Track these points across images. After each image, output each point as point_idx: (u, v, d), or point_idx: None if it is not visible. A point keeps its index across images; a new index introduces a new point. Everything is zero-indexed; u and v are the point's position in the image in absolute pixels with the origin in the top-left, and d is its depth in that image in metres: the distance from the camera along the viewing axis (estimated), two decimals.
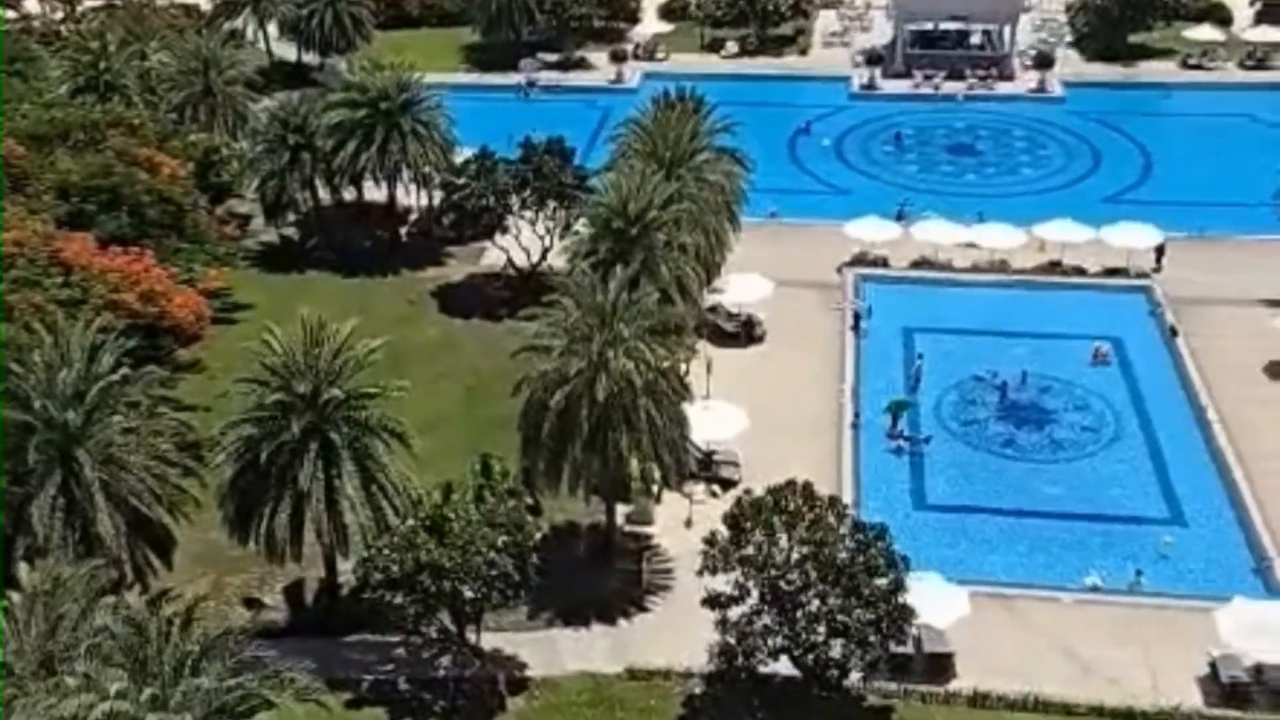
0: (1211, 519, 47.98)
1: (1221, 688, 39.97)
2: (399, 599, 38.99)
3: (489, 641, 41.87)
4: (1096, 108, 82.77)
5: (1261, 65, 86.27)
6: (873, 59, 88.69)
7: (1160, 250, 62.94)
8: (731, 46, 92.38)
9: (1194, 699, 39.85)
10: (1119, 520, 48.30)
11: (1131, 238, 63.34)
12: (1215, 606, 41.20)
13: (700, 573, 39.12)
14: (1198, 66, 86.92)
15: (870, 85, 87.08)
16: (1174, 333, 58.43)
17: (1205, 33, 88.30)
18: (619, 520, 46.83)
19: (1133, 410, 54.21)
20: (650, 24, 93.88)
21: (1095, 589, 44.59)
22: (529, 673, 41.62)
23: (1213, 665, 40.60)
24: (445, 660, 41.81)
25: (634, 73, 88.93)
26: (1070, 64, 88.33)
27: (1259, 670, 40.08)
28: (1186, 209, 67.49)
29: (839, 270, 64.42)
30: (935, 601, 40.28)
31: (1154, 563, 45.65)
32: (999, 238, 64.46)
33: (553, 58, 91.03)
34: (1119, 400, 54.87)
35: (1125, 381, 56.20)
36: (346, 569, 42.33)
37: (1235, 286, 60.89)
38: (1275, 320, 56.83)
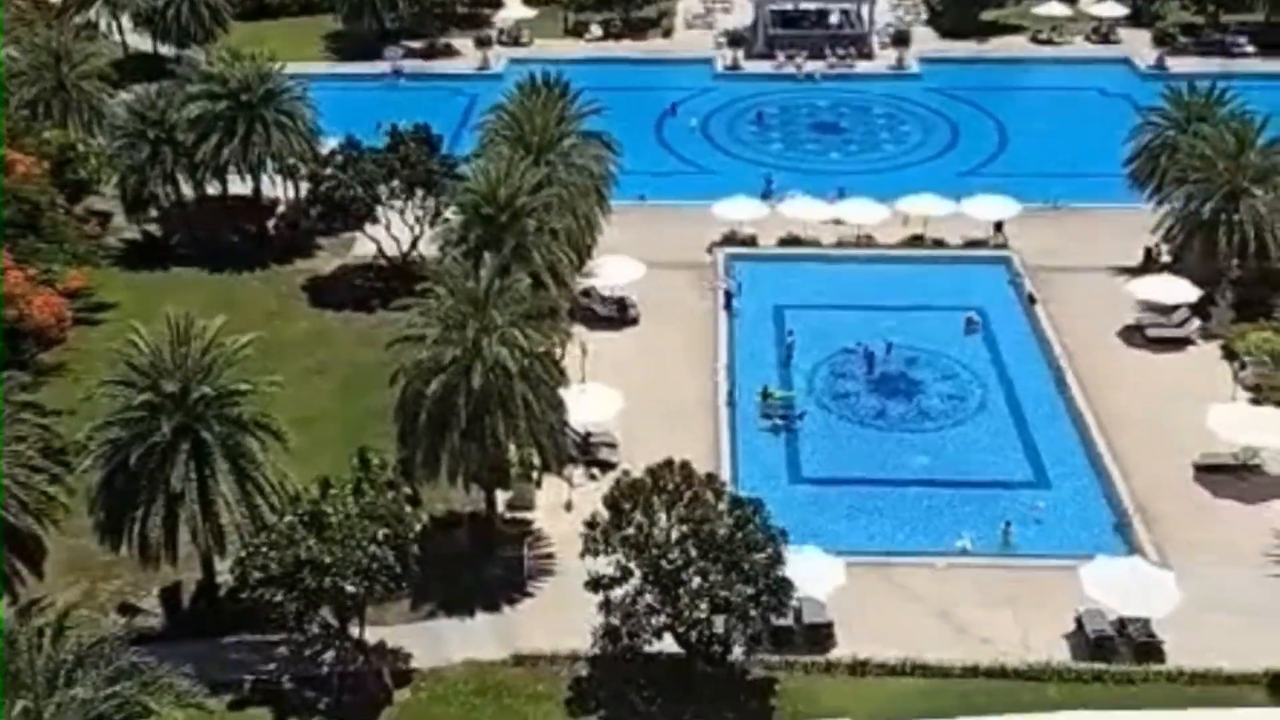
0: (1074, 480, 49.65)
1: (1088, 642, 41.43)
2: (279, 597, 38.61)
3: (372, 635, 41.69)
4: (952, 84, 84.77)
5: (1107, 40, 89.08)
6: (735, 40, 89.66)
7: (999, 224, 64.60)
8: (596, 30, 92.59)
9: (1062, 654, 41.24)
10: (987, 485, 49.71)
11: (990, 210, 65.10)
12: (1080, 565, 42.51)
13: (582, 555, 39.44)
14: (1047, 41, 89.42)
15: (734, 66, 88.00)
16: (1033, 301, 60.24)
17: (1053, 8, 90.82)
18: (499, 507, 46.93)
19: (996, 378, 55.81)
20: (514, 9, 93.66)
21: (965, 552, 45.88)
22: (414, 664, 41.55)
23: (1079, 621, 42.04)
24: (328, 656, 41.51)
25: (499, 58, 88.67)
26: (926, 41, 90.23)
27: (1122, 624, 41.63)
28: (1041, 180, 69.55)
29: (709, 250, 65.15)
30: (814, 573, 41.11)
31: (1023, 526, 47.06)
32: (863, 213, 65.76)
33: (417, 45, 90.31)
34: (983, 369, 56.44)
35: (988, 350, 57.81)
36: (224, 569, 41.78)
37: (1089, 254, 62.95)
38: (1127, 286, 58.86)
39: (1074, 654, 41.25)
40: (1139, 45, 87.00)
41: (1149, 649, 41.11)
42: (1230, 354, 54.93)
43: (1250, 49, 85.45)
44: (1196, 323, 57.30)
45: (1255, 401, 51.33)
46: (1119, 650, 41.26)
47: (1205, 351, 56.21)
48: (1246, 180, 56.79)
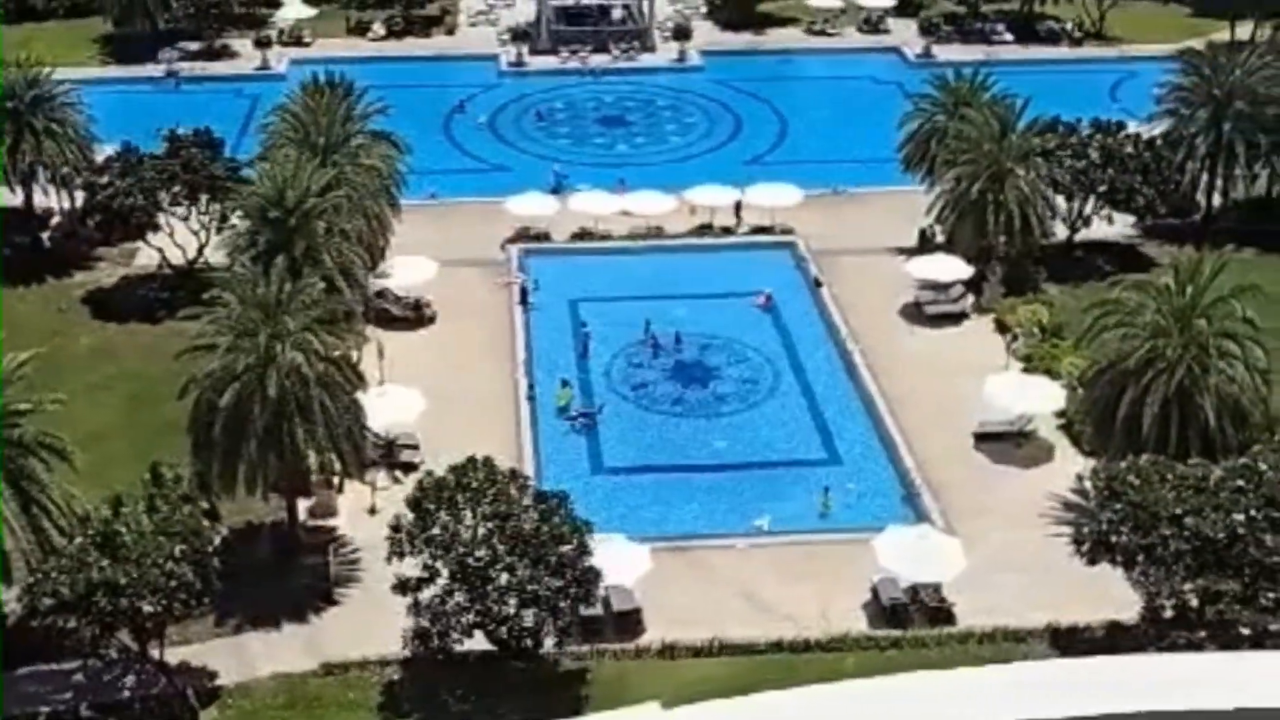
0: (864, 456, 51.59)
1: (883, 610, 43.17)
2: (73, 622, 37.44)
3: (175, 655, 40.74)
4: (733, 75, 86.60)
5: (877, 30, 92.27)
6: (519, 36, 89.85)
7: (738, 205, 66.44)
8: (378, 29, 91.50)
9: (860, 624, 42.87)
10: (783, 465, 51.32)
11: (774, 197, 66.93)
12: (873, 536, 44.19)
13: (388, 559, 39.34)
14: (821, 33, 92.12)
15: (519, 62, 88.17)
16: (818, 284, 62.26)
17: (826, 0, 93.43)
18: (301, 515, 46.34)
19: (787, 361, 57.55)
20: (293, 8, 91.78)
21: (765, 532, 47.30)
22: (220, 681, 40.75)
23: (874, 591, 43.76)
24: (129, 680, 40.38)
25: (281, 59, 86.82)
26: (706, 34, 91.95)
27: (915, 591, 43.52)
28: (821, 166, 71.79)
29: (503, 247, 65.33)
30: (620, 561, 41.85)
31: (839, 505, 48.58)
32: (652, 205, 66.90)
33: (194, 46, 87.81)
34: (774, 352, 58.13)
35: (779, 333, 59.56)
36: (11, 597, 40.23)
37: (868, 237, 65.24)
38: (905, 266, 61.29)
39: (871, 623, 42.97)
40: (907, 35, 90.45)
41: (941, 612, 43.10)
42: (1002, 327, 57.81)
43: (1009, 37, 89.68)
44: (970, 299, 60.13)
45: (1027, 371, 54.11)
46: (913, 616, 43.13)
47: (979, 326, 59.03)
48: (1010, 161, 59.71)
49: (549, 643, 39.76)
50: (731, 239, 66.69)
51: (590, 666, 41.20)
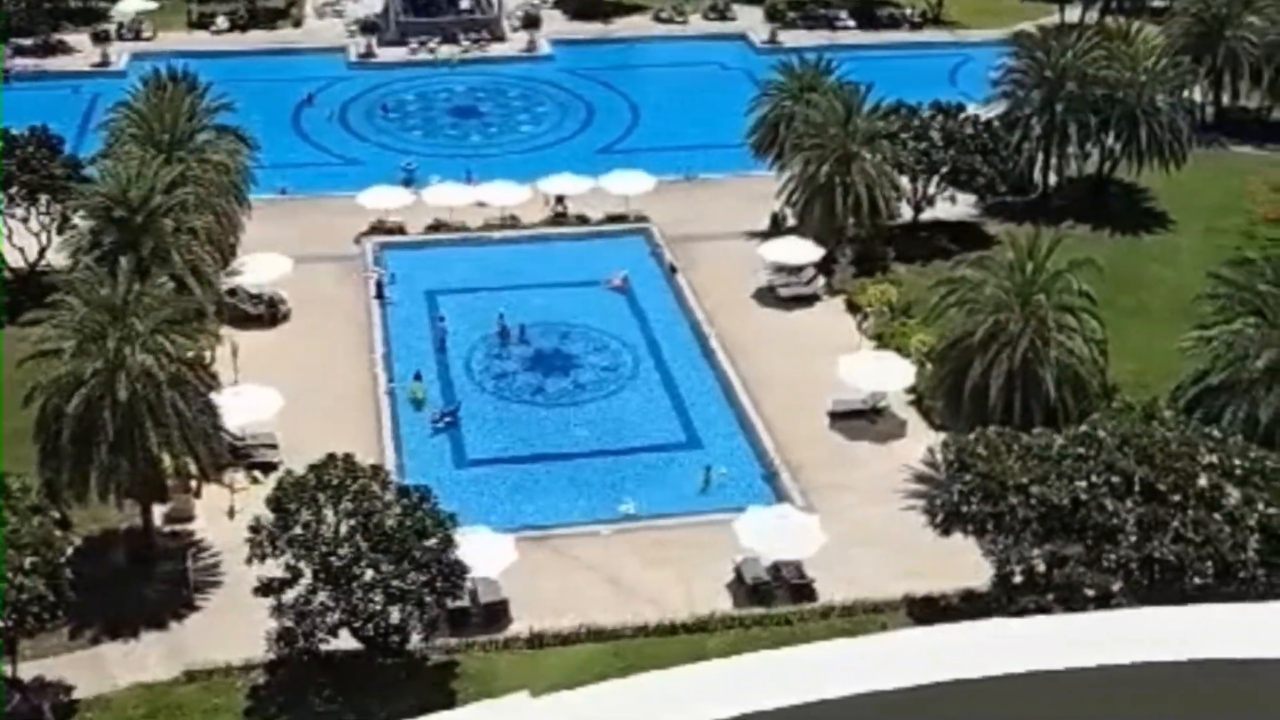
0: (724, 438, 52.30)
1: (747, 589, 43.92)
2: None
3: (28, 670, 39.62)
4: (584, 64, 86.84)
5: (724, 17, 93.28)
6: (368, 28, 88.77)
7: (560, 198, 66.77)
8: (221, 22, 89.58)
9: (725, 604, 43.51)
10: (645, 450, 51.81)
11: (627, 185, 67.37)
12: (734, 518, 44.84)
13: (249, 561, 38.81)
14: (669, 20, 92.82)
15: (368, 54, 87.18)
16: (674, 270, 62.93)
17: None
18: (157, 521, 45.42)
19: (646, 347, 58.08)
20: (132, 1, 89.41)
21: (630, 517, 47.76)
22: (77, 695, 39.71)
23: (738, 571, 44.48)
24: None
25: (120, 54, 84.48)
26: (555, 23, 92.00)
27: (777, 569, 44.37)
28: (674, 153, 72.49)
29: (357, 241, 64.70)
30: (485, 553, 41.86)
31: (689, 483, 49.31)
32: (506, 195, 66.84)
33: (27, 43, 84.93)
34: (633, 339, 58.62)
35: (636, 320, 60.06)
36: None
37: (722, 222, 66.06)
38: (758, 250, 62.25)
39: (735, 603, 43.65)
40: (753, 21, 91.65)
41: (802, 589, 43.98)
42: (853, 307, 59.13)
43: (851, 23, 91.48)
44: (822, 280, 61.36)
45: (878, 350, 55.38)
46: (775, 594, 44.00)
47: (831, 306, 60.27)
48: (856, 145, 61.01)
49: (416, 638, 39.65)
50: (586, 228, 67.01)
51: (459, 660, 41.20)
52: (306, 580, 38.42)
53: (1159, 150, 65.71)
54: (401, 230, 65.93)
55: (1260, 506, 38.30)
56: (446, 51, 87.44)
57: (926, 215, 65.68)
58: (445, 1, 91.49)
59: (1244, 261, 49.53)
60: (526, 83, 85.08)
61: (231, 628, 41.02)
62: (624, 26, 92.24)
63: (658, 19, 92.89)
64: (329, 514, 38.80)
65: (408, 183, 68.73)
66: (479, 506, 46.54)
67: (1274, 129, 75.35)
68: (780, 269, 61.48)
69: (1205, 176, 67.78)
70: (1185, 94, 69.09)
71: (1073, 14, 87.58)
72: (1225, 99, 76.34)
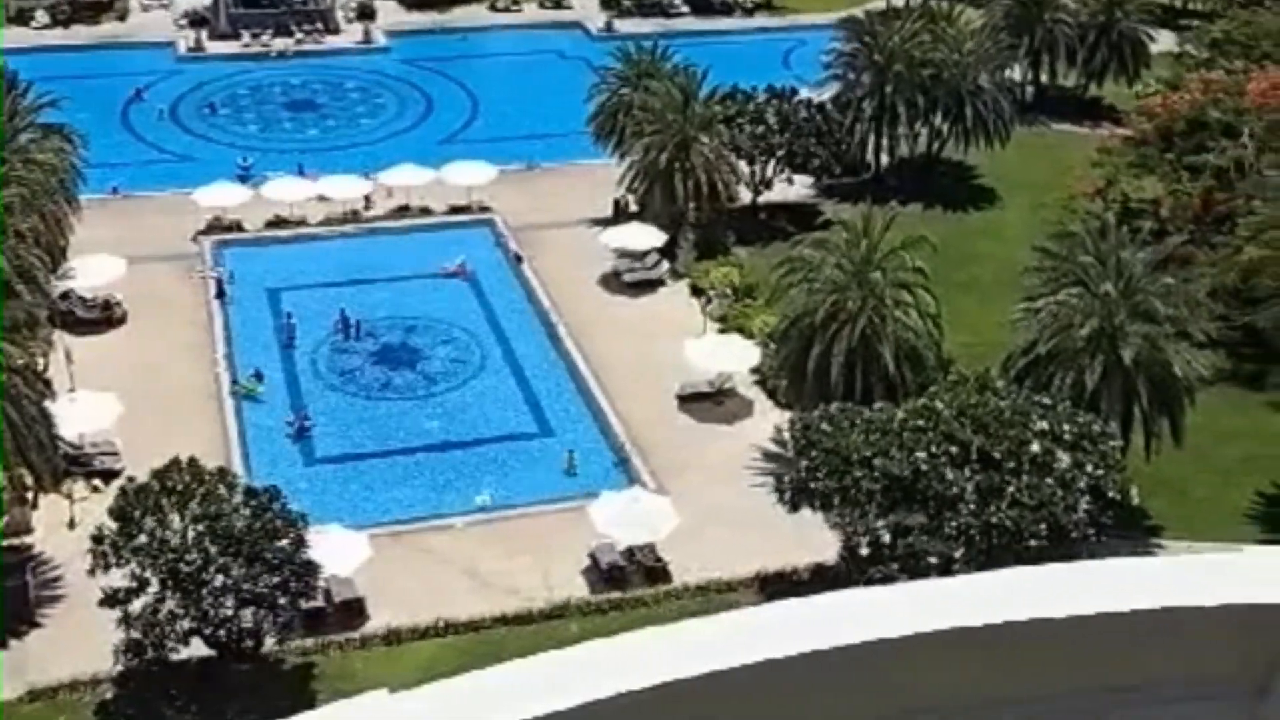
0: (574, 425, 52.66)
1: (602, 574, 44.37)
2: None
3: None
4: (421, 55, 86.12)
5: (559, 5, 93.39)
6: (197, 21, 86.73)
7: (368, 198, 66.10)
8: (42, 17, 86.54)
9: (581, 590, 43.93)
10: (496, 441, 51.89)
11: (469, 176, 67.17)
12: (588, 503, 45.29)
13: (92, 572, 37.90)
14: (505, 9, 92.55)
15: (198, 48, 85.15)
16: (519, 259, 63.00)
17: None
18: None
19: (494, 337, 58.10)
20: None
21: (485, 508, 47.83)
22: None
23: (593, 556, 44.92)
24: None
25: None
26: (391, 14, 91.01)
27: (631, 552, 44.88)
28: (515, 143, 72.51)
29: (194, 239, 63.35)
30: (339, 551, 41.58)
31: (542, 472, 49.54)
32: (347, 189, 66.13)
33: None
34: (480, 330, 58.57)
35: (483, 311, 60.00)
36: None
37: (565, 210, 66.36)
38: (601, 236, 62.69)
39: (591, 588, 44.08)
40: (589, 9, 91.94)
41: (657, 571, 44.58)
42: (697, 290, 60.00)
43: (685, 9, 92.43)
44: (666, 265, 62.06)
45: (723, 331, 56.34)
46: (631, 577, 44.53)
47: (675, 290, 61.01)
48: (694, 130, 61.79)
49: (270, 641, 39.21)
50: (430, 219, 66.65)
51: (316, 660, 40.81)
52: (154, 589, 37.68)
53: (984, 129, 67.94)
54: (240, 227, 64.73)
55: (1089, 469, 40.10)
56: (280, 44, 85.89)
57: (765, 198, 66.88)
58: None
59: (1066, 235, 51.47)
60: (363, 74, 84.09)
61: (76, 642, 40.00)
62: (460, 16, 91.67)
63: (494, 8, 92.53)
64: (175, 520, 38.06)
65: (244, 179, 67.50)
66: (331, 504, 46.13)
67: (1090, 107, 78.46)
68: (624, 255, 61.99)
69: (1028, 154, 70.29)
70: (1007, 74, 71.50)
71: None
72: (1044, 78, 79.21)
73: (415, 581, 43.70)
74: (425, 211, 66.91)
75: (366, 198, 66.19)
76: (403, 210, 66.76)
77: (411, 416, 53.05)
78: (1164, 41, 79.98)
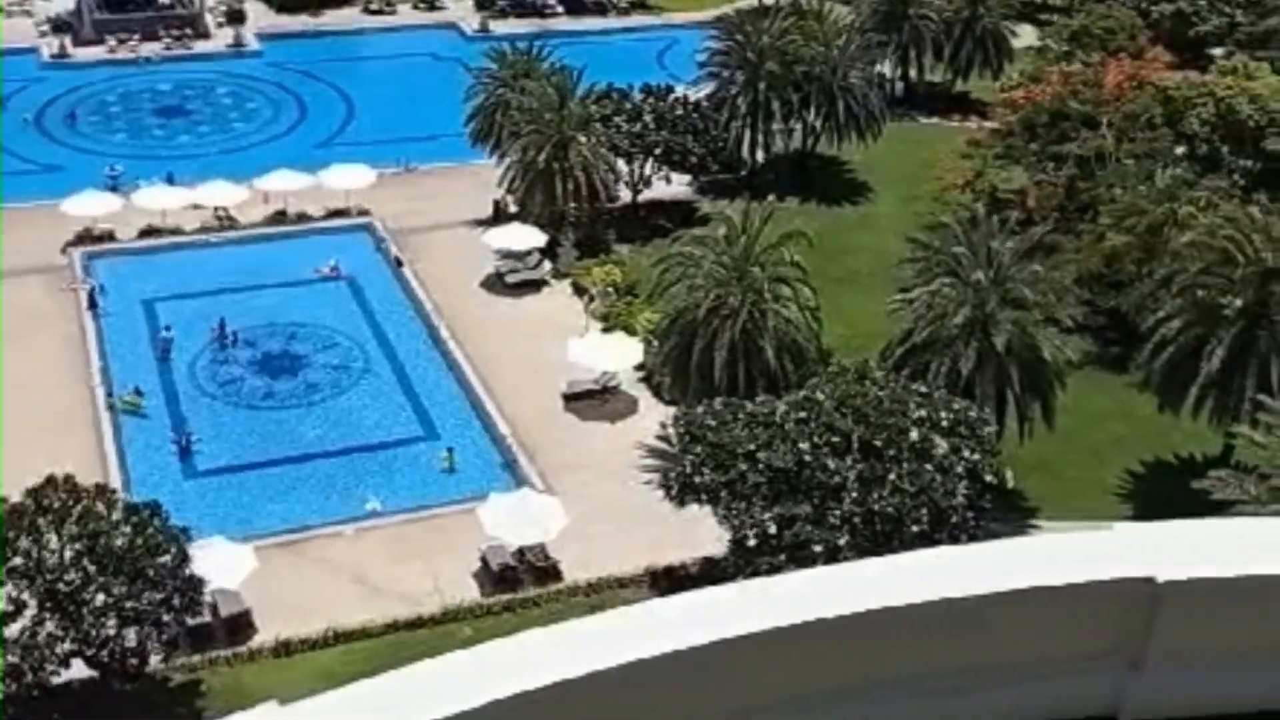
0: (461, 428, 52.59)
1: (493, 576, 44.41)
2: None
3: None
4: (294, 58, 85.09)
5: (434, 6, 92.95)
6: (60, 27, 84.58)
7: (218, 208, 65.42)
8: None
9: (473, 593, 43.90)
10: (383, 446, 51.56)
11: (347, 179, 66.57)
12: (477, 506, 45.23)
13: None
14: (378, 11, 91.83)
15: (62, 54, 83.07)
16: (399, 263, 62.63)
17: None
18: None
19: (376, 342, 57.70)
20: None
21: (375, 514, 47.50)
22: None
23: (483, 558, 44.91)
24: None
25: None
26: (261, 17, 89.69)
27: (521, 553, 44.98)
28: (393, 145, 72.01)
29: (63, 251, 61.90)
30: (224, 564, 41.04)
31: (430, 476, 49.38)
32: (223, 195, 65.15)
33: None
34: (362, 335, 58.13)
35: (365, 316, 59.56)
36: None
37: (445, 212, 66.16)
38: (483, 238, 62.58)
39: (482, 591, 44.09)
40: (463, 10, 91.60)
41: (548, 571, 44.76)
42: (579, 289, 60.24)
43: (560, 9, 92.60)
44: (548, 265, 62.20)
45: (606, 330, 56.62)
46: (522, 578, 44.62)
47: (558, 290, 61.22)
48: (571, 129, 62.00)
49: (155, 659, 38.55)
50: (309, 225, 65.94)
51: (203, 677, 40.23)
52: (32, 611, 36.78)
53: (856, 124, 69.22)
54: (111, 237, 63.39)
55: (966, 454, 41.12)
56: (148, 50, 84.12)
57: (644, 196, 67.34)
58: None
59: (938, 226, 52.74)
60: (235, 79, 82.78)
61: None
62: (333, 19, 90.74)
63: (367, 10, 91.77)
64: (52, 539, 37.22)
65: (114, 188, 66.06)
66: (215, 517, 45.52)
67: (958, 101, 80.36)
68: (506, 256, 61.98)
69: (899, 148, 71.73)
70: (876, 70, 72.89)
71: None
72: (913, 74, 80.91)
73: (304, 591, 43.29)
74: (303, 216, 66.19)
75: (223, 211, 64.86)
76: (280, 216, 65.96)
77: (295, 424, 52.50)
78: (1025, 36, 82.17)
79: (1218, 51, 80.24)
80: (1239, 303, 46.59)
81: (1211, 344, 46.61)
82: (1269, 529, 20.53)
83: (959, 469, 40.77)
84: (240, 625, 41.86)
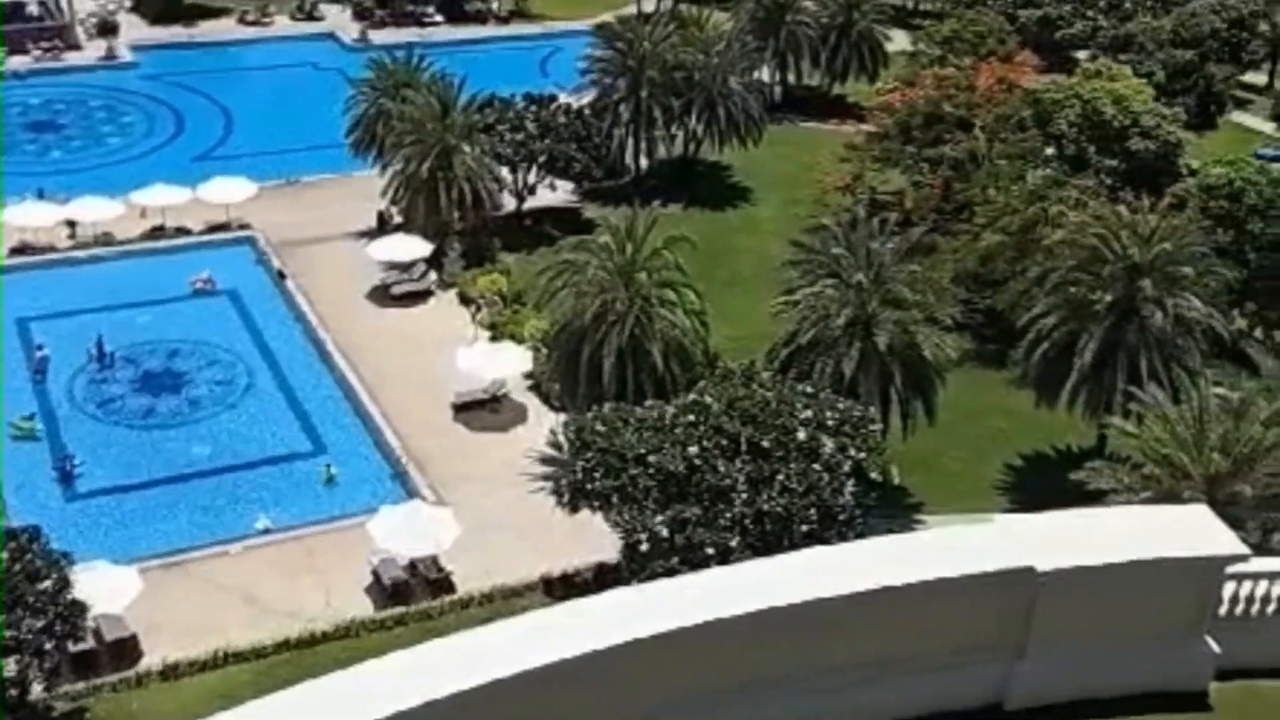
0: (350, 441, 52.09)
1: (385, 589, 44.04)
2: None
3: None
4: (170, 70, 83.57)
5: (311, 17, 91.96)
6: None
7: (70, 222, 63.97)
8: None
9: (365, 607, 43.43)
10: (270, 462, 50.87)
11: (227, 192, 65.57)
12: (367, 519, 44.89)
13: None
14: (255, 22, 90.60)
15: None
16: (282, 276, 61.85)
17: None
18: None
19: (260, 357, 56.89)
20: None
21: (267, 531, 46.83)
22: None
23: (375, 572, 44.52)
24: None
25: None
26: (134, 29, 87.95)
27: (414, 566, 44.68)
28: (274, 157, 71.14)
29: None
30: (108, 588, 40.09)
31: (318, 492, 48.85)
32: (98, 211, 63.77)
33: None
34: (246, 350, 57.28)
35: (248, 331, 58.70)
36: None
37: (329, 224, 65.53)
38: (367, 249, 62.10)
39: (375, 605, 43.67)
40: (342, 20, 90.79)
41: (441, 583, 44.51)
42: (466, 299, 60.09)
43: (439, 19, 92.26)
44: (433, 275, 61.93)
45: (494, 339, 56.56)
46: (415, 591, 44.30)
47: (444, 300, 61.00)
48: (454, 138, 61.81)
49: (37, 688, 37.57)
50: (188, 239, 64.82)
51: (88, 704, 39.21)
52: None
53: (737, 129, 70.08)
54: None
55: (852, 452, 41.83)
56: (16, 62, 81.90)
57: (529, 204, 67.38)
58: (9, 8, 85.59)
59: (819, 228, 53.60)
60: (109, 92, 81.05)
61: None
62: (209, 30, 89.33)
63: (243, 21, 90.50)
64: None
65: None
66: (98, 540, 44.56)
67: (835, 104, 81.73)
68: (391, 267, 61.56)
69: (779, 151, 72.77)
70: (755, 75, 73.82)
71: (649, 4, 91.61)
72: (791, 79, 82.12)
73: (192, 613, 42.52)
74: (182, 231, 65.05)
75: (66, 226, 63.44)
76: (158, 231, 64.72)
77: (179, 443, 51.56)
78: (899, 41, 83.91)
79: (1082, 55, 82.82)
80: (1109, 298, 48.12)
81: (1083, 339, 48.08)
82: (1140, 517, 21.38)
83: (845, 467, 41.41)
84: (126, 650, 40.95)
